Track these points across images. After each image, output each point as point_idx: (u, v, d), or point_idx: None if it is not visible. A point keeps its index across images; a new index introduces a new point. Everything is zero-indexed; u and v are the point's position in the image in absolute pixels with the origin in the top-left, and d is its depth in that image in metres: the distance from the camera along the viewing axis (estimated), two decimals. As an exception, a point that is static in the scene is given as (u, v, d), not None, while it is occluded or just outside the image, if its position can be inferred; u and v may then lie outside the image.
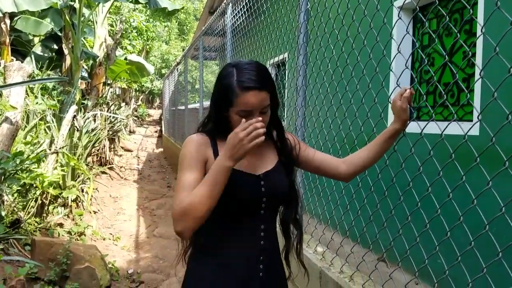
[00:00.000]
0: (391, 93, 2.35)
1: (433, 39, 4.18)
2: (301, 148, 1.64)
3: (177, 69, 11.60)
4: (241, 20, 4.95)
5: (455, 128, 1.92)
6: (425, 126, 1.91)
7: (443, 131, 1.72)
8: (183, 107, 10.50)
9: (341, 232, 2.68)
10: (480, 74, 1.59)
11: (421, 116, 4.44)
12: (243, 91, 1.37)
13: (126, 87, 17.49)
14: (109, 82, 9.69)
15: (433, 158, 1.79)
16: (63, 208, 5.50)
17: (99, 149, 8.57)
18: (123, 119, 10.40)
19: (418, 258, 1.88)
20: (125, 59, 9.87)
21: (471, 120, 3.67)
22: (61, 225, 5.29)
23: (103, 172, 8.47)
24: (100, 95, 9.11)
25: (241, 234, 1.49)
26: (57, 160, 5.49)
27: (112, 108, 10.03)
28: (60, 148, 5.44)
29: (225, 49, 5.48)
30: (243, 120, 1.34)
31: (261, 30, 5.14)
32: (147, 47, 18.47)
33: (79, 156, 6.25)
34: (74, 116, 5.80)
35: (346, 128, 2.68)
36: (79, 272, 3.76)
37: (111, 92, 10.54)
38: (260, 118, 1.31)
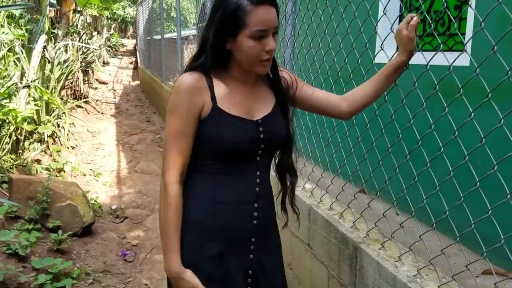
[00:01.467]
0: (378, 21, 2.20)
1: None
2: (298, 86, 1.51)
3: (151, -5, 10.99)
4: None
5: (444, 59, 1.79)
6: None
7: (429, 61, 1.59)
8: (159, 37, 10.03)
9: (322, 166, 2.62)
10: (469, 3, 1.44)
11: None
12: (257, 6, 1.22)
13: (98, 14, 16.63)
14: (79, 9, 9.11)
15: (417, 90, 1.69)
16: (39, 144, 5.31)
17: (72, 82, 8.20)
18: (96, 49, 9.92)
19: (398, 189, 1.85)
20: (95, -16, 9.26)
21: (462, 50, 3.55)
22: (38, 161, 5.13)
23: (79, 106, 8.18)
24: (70, 24, 8.59)
25: (236, 181, 1.40)
26: (29, 94, 5.21)
27: (83, 37, 9.51)
28: (31, 81, 5.15)
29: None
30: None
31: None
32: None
33: (52, 89, 5.95)
34: (45, 47, 5.45)
35: (330, 60, 2.53)
36: (61, 210, 3.66)
37: (81, 20, 9.95)
38: None
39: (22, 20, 6.45)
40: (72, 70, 7.29)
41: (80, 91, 8.55)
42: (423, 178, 1.72)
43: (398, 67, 1.46)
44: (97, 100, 9.83)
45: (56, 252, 3.35)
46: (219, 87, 1.35)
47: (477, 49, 2.86)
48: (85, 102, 8.65)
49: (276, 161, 1.53)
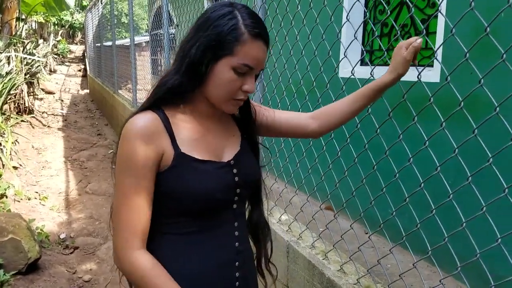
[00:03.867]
0: (340, 29, 2.17)
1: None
2: (257, 112, 1.30)
3: (101, 1, 10.53)
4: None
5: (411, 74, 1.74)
6: (372, 70, 1.74)
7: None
8: (110, 43, 9.59)
9: (287, 181, 2.52)
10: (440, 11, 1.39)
11: (374, 60, 4.21)
12: (253, 38, 1.02)
13: (44, 21, 15.86)
14: (23, 17, 8.54)
15: (383, 100, 1.62)
16: (-23, 167, 4.83)
17: (16, 95, 7.65)
18: (41, 60, 9.34)
19: (366, 204, 1.84)
20: (39, -11, 8.71)
21: (431, 65, 3.49)
22: (-24, 187, 4.65)
23: (23, 120, 7.64)
24: (13, 33, 8.02)
25: (212, 239, 1.14)
26: (-35, 112, 4.74)
27: (28, 47, 8.92)
28: (-33, 99, 4.68)
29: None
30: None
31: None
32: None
33: (-9, 106, 5.47)
34: (-18, 60, 4.98)
35: (292, 68, 2.48)
36: (2, 245, 3.27)
37: (26, 29, 9.36)
38: None
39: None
40: (15, 84, 6.77)
41: (24, 104, 7.98)
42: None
43: (381, 87, 1.28)
44: (43, 112, 9.27)
45: (-3, 296, 2.98)
46: (180, 127, 1.09)
47: (447, 66, 2.83)
48: (30, 113, 8.09)
49: (247, 214, 1.30)
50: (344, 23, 2.08)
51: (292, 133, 1.39)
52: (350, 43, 2.04)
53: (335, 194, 2.04)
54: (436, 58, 1.47)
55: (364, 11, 4.01)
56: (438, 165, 1.45)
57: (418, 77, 1.44)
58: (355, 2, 2.08)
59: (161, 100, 1.10)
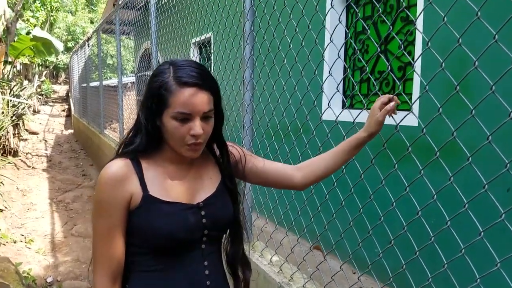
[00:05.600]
0: (324, 82, 2.33)
1: (367, 25, 4.10)
2: (247, 160, 1.40)
3: (88, 44, 10.71)
4: None
5: (391, 119, 1.88)
6: (357, 116, 1.83)
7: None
8: (96, 84, 9.71)
9: (276, 221, 2.62)
10: (413, 67, 1.54)
11: (355, 104, 4.40)
12: (180, 87, 1.11)
13: (29, 62, 15.97)
14: (10, 60, 8.64)
15: (366, 147, 1.70)
16: (-38, 210, 4.81)
17: (1, 138, 7.65)
18: (27, 102, 9.40)
19: (355, 246, 1.90)
20: (28, 33, 8.87)
21: (409, 109, 3.68)
22: (-39, 230, 4.63)
23: (8, 162, 7.61)
24: (1, 77, 8.10)
25: (180, 277, 1.21)
26: (-48, 155, 4.75)
27: (14, 89, 8.99)
28: (-45, 142, 4.70)
29: (148, 24, 5.04)
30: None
31: (186, 7, 4.77)
32: (51, 18, 16.91)
33: (-21, 149, 5.48)
34: (-29, 104, 5.03)
35: (280, 115, 2.60)
36: (-10, 290, 3.26)
37: (12, 72, 9.45)
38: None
39: None
40: (2, 126, 6.80)
41: (9, 145, 7.98)
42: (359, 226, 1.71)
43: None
44: (27, 153, 9.25)
45: None
46: (150, 171, 1.20)
47: (424, 109, 3.03)
48: (14, 155, 8.08)
49: (227, 251, 1.38)
50: (327, 77, 2.25)
51: (279, 183, 1.46)
52: (333, 95, 2.19)
53: (323, 235, 2.14)
54: (412, 112, 1.62)
55: (344, 65, 4.24)
56: (419, 209, 1.57)
57: (396, 128, 1.58)
58: (335, 60, 2.24)
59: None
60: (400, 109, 3.76)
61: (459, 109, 1.74)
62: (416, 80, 3.40)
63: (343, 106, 4.42)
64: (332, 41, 2.13)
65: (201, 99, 1.13)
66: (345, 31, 4.25)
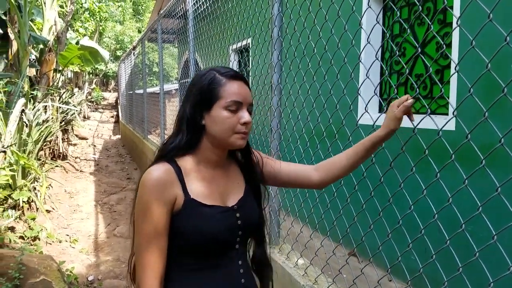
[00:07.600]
0: (361, 85, 2.26)
1: (404, 28, 4.04)
2: (264, 163, 1.45)
3: (133, 53, 11.09)
4: (206, 5, 4.66)
5: (428, 122, 1.82)
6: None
7: (416, 125, 1.57)
8: (141, 91, 10.03)
9: (311, 226, 2.58)
10: (455, 69, 1.48)
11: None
12: (230, 80, 1.23)
13: (79, 70, 16.69)
14: (60, 68, 9.08)
15: (405, 153, 1.70)
16: (13, 210, 5.08)
17: (51, 142, 8.05)
18: (76, 109, 9.83)
19: (391, 254, 1.85)
20: (77, 43, 9.28)
21: (446, 114, 3.58)
22: (12, 229, 4.89)
23: (57, 166, 7.98)
24: (50, 84, 8.52)
25: (221, 276, 1.27)
26: (5, 159, 5.05)
27: (64, 96, 9.43)
28: (7, 146, 5.00)
29: (187, 32, 5.18)
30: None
31: (224, 13, 4.86)
32: (100, 28, 17.63)
33: (29, 153, 5.79)
34: (23, 110, 5.34)
35: (315, 120, 2.57)
36: (34, 286, 3.44)
37: (62, 80, 9.91)
38: None
39: (0, 81, 6.37)
40: (51, 132, 7.16)
41: (59, 150, 8.38)
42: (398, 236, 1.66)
43: (375, 143, 1.39)
44: (76, 158, 9.65)
45: (27, 336, 3.11)
46: (190, 176, 1.26)
47: (461, 113, 2.91)
48: (63, 159, 8.45)
49: (251, 254, 1.43)
50: (364, 80, 2.18)
51: (297, 183, 1.50)
52: (370, 99, 2.16)
53: (356, 240, 2.08)
54: (456, 117, 1.54)
55: (381, 67, 4.18)
56: (462, 222, 1.47)
57: (413, 131, 1.55)
58: (373, 62, 2.20)
59: (173, 155, 1.28)
60: (438, 113, 3.69)
61: (498, 113, 1.65)
62: (453, 83, 3.31)
63: (380, 111, 4.36)
64: (369, 42, 2.08)
65: (248, 91, 1.26)
66: (382, 31, 4.18)
